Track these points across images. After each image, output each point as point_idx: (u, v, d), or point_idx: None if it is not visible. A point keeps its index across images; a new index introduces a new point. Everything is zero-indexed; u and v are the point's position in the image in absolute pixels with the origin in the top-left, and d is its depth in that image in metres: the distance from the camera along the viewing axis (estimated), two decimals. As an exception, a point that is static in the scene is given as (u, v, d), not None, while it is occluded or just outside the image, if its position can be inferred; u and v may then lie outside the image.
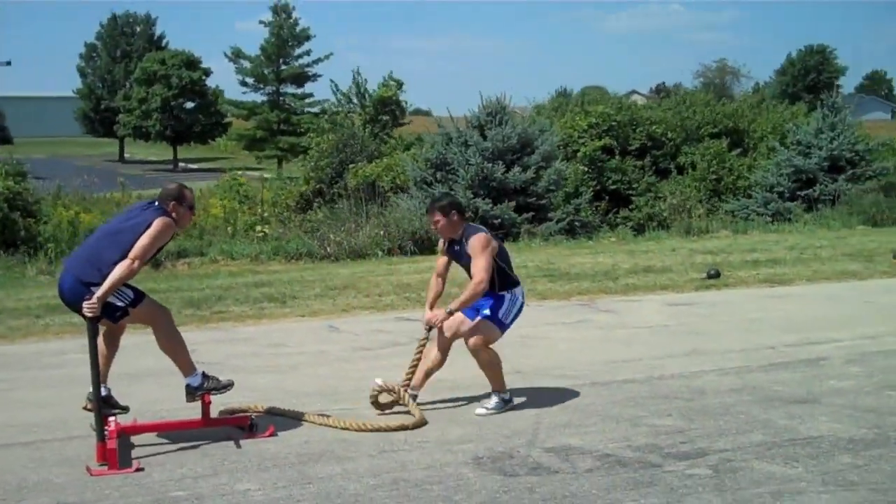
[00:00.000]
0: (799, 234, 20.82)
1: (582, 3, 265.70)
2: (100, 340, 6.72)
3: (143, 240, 6.50)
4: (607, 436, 6.85)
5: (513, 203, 21.18)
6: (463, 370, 8.00)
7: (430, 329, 7.55)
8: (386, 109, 36.17)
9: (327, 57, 67.60)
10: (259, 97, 67.21)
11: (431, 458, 6.41)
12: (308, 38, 66.13)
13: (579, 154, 29.15)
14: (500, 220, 20.80)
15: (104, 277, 6.41)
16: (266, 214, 21.66)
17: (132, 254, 6.46)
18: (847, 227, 22.21)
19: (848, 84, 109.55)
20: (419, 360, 7.59)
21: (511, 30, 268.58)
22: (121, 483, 5.98)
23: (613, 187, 29.50)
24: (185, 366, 6.87)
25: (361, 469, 6.20)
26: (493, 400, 7.57)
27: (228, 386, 7.03)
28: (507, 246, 19.43)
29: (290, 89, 66.96)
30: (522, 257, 17.08)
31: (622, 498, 5.62)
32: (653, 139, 31.56)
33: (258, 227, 19.50)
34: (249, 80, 66.28)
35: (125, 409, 7.04)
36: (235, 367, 9.15)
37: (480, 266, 7.31)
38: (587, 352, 9.63)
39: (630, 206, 28.95)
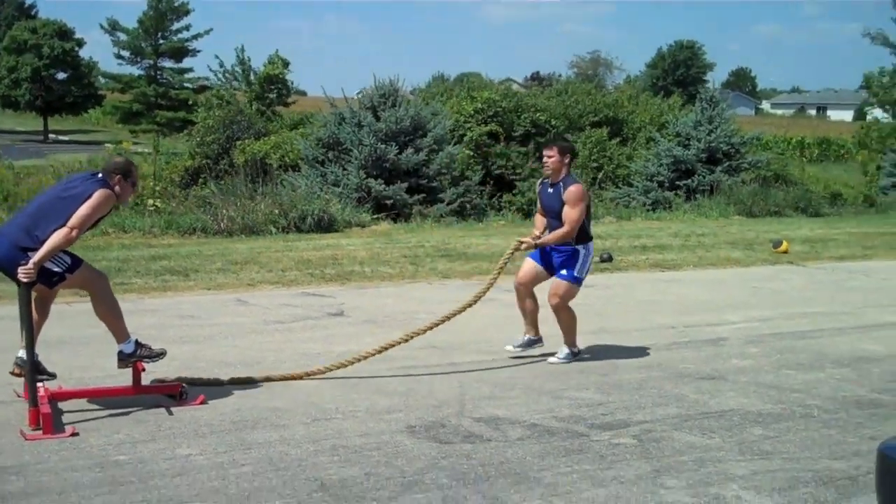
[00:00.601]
0: (680, 223, 21.52)
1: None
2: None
3: (84, 209, 6.52)
4: (531, 407, 7.12)
5: (405, 184, 21.35)
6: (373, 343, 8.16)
7: (518, 248, 8.43)
8: (272, 88, 35.91)
9: (207, 32, 66.51)
10: (136, 70, 65.76)
11: (365, 426, 6.57)
12: (187, 12, 64.84)
13: (465, 138, 29.47)
14: (392, 200, 20.96)
15: (41, 244, 6.39)
16: (158, 188, 21.31)
17: (71, 222, 6.46)
18: (724, 216, 23.05)
19: (716, 80, 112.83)
20: (504, 265, 8.58)
21: (387, 14, 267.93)
22: (58, 447, 5.98)
23: (498, 172, 29.91)
24: (120, 332, 6.91)
25: (298, 436, 6.33)
26: (564, 351, 8.54)
27: (161, 354, 7.11)
28: (398, 227, 19.63)
29: (169, 64, 65.62)
30: (418, 238, 17.31)
31: (556, 464, 5.88)
32: (537, 126, 32.04)
33: (150, 201, 19.18)
34: (126, 54, 64.79)
35: (53, 376, 6.99)
36: (148, 337, 9.03)
37: (574, 217, 8.06)
38: (499, 329, 9.86)
39: (514, 191, 29.46)
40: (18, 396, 6.95)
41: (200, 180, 27.69)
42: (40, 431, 6.20)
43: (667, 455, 6.09)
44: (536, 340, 8.69)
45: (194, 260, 13.85)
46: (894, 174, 30.39)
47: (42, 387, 6.70)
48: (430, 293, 12.08)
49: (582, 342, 9.33)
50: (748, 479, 5.68)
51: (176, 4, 64.23)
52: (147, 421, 6.59)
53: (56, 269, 6.57)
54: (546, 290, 8.52)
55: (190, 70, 65.46)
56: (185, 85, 63.61)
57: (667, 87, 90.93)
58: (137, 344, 6.97)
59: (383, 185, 21.03)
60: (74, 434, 6.22)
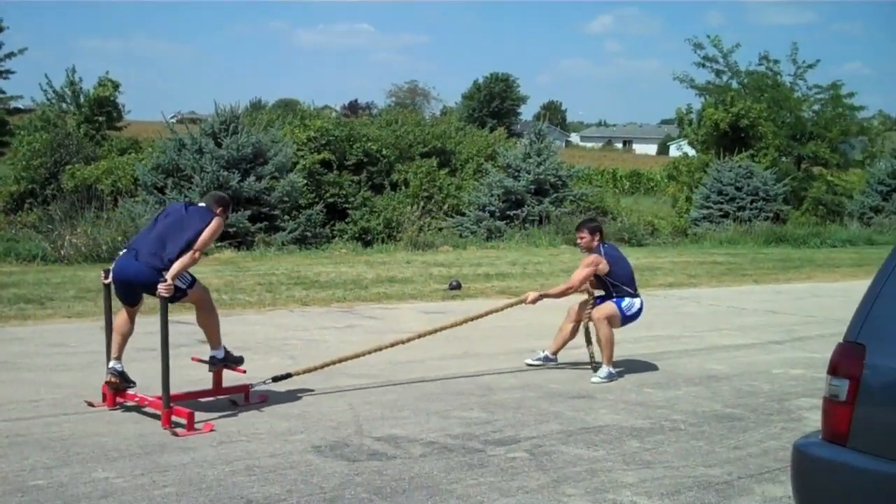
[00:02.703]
0: (515, 252, 22.34)
1: (270, 17, 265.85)
2: (122, 320, 7.80)
3: (205, 236, 7.59)
4: (424, 426, 7.52)
5: (248, 212, 21.47)
6: (266, 369, 8.40)
7: (523, 301, 9.90)
8: (102, 111, 35.16)
9: (21, 52, 63.86)
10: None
11: (272, 447, 6.83)
12: (0, 29, 62.24)
13: (298, 166, 29.71)
14: (234, 228, 21.02)
15: (170, 264, 7.39)
16: (-5, 214, 20.72)
17: (196, 246, 7.52)
18: (553, 245, 24.04)
19: (527, 112, 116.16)
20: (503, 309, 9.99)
21: (198, 36, 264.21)
22: (-29, 474, 6.03)
23: (331, 200, 30.29)
24: (216, 340, 7.94)
25: (210, 458, 6.54)
26: (605, 371, 9.48)
27: (241, 360, 8.07)
28: (242, 255, 19.66)
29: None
30: (266, 266, 17.48)
31: (462, 477, 6.30)
32: (368, 155, 32.60)
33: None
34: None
35: (134, 384, 7.80)
36: (25, 366, 9.15)
37: (576, 276, 9.67)
38: (370, 354, 10.19)
39: (346, 220, 29.86)
40: (91, 406, 7.74)
41: (26, 205, 27.01)
42: (184, 429, 7.11)
43: (560, 467, 6.60)
44: (552, 359, 10.04)
45: (45, 288, 13.70)
46: (705, 207, 32.16)
47: (137, 394, 7.68)
48: (294, 320, 12.35)
49: (453, 366, 9.85)
50: (638, 486, 6.24)
51: (-13, 22, 61.55)
52: (53, 447, 6.67)
53: (182, 286, 7.55)
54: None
55: (1, 92, 62.70)
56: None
57: (482, 118, 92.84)
58: (226, 351, 7.97)
59: (225, 213, 21.06)
60: (212, 430, 7.15)
